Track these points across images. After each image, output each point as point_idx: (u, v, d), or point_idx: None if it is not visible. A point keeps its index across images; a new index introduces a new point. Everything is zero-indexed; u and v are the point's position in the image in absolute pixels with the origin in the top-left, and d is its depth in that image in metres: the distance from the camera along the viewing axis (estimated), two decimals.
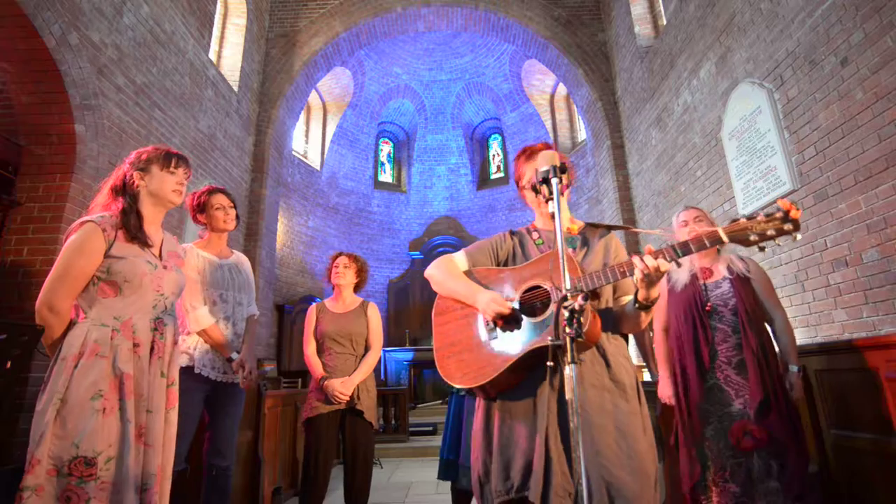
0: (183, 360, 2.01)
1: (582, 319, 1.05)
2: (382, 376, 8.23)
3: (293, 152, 8.55)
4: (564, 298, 1.08)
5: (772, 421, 1.83)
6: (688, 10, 4.88)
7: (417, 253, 9.83)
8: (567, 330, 1.04)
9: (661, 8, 5.81)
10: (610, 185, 6.77)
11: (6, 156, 3.22)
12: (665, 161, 5.50)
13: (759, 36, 3.76)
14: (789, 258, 3.53)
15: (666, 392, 2.19)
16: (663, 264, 1.14)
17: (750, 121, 3.88)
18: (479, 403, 1.43)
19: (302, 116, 9.34)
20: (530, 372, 1.30)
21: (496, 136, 10.87)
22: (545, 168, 1.22)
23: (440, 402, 7.82)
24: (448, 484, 2.48)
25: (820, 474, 2.16)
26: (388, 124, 10.76)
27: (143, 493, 1.39)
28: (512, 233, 1.56)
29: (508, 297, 1.35)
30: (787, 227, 1.05)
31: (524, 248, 1.50)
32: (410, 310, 9.55)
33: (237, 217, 2.33)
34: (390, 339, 9.12)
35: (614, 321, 1.40)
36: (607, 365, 1.31)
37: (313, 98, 9.46)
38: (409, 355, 8.13)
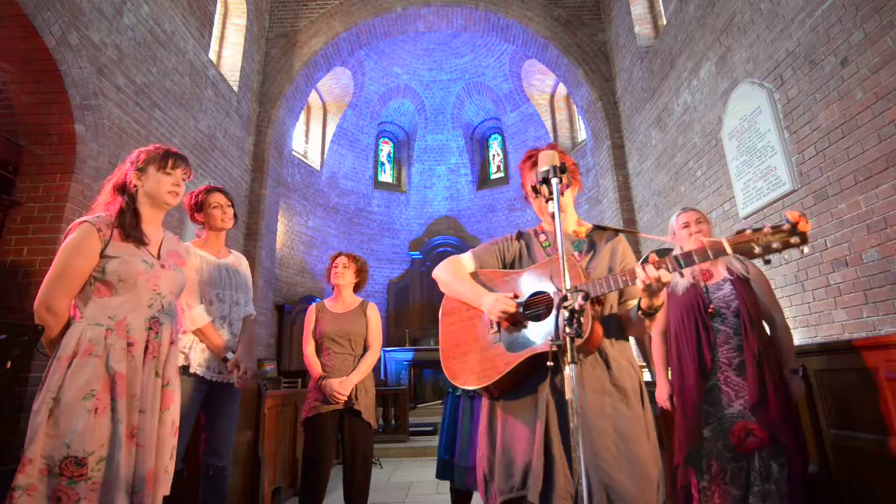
0: (178, 360, 2.01)
1: (582, 319, 1.05)
2: (382, 376, 8.23)
3: (293, 152, 8.55)
4: (565, 298, 1.08)
5: (772, 421, 1.83)
6: (688, 10, 4.88)
7: (417, 253, 9.83)
8: (567, 330, 1.04)
9: (661, 8, 5.82)
10: (610, 185, 6.77)
11: (6, 156, 3.22)
12: (665, 161, 5.50)
13: (759, 36, 3.76)
14: (789, 258, 3.53)
15: (662, 395, 2.20)
16: (665, 275, 1.13)
17: (750, 121, 3.88)
18: (484, 403, 1.44)
19: (302, 116, 9.34)
20: (532, 373, 1.30)
21: (496, 136, 10.87)
22: (545, 168, 1.21)
23: (440, 402, 7.82)
24: (448, 484, 2.49)
25: (820, 474, 2.16)
26: (388, 124, 10.76)
27: (135, 495, 1.37)
28: (519, 234, 1.56)
29: (514, 299, 1.35)
30: (794, 240, 1.02)
31: (530, 251, 1.50)
32: (410, 310, 9.55)
33: (235, 216, 2.33)
34: (390, 339, 9.11)
35: (619, 325, 1.39)
36: (608, 368, 1.31)
37: (313, 98, 9.46)
38: (409, 355, 8.13)
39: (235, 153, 6.05)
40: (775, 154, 3.62)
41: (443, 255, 7.37)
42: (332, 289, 2.76)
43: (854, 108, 2.90)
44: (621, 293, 1.41)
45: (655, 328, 2.24)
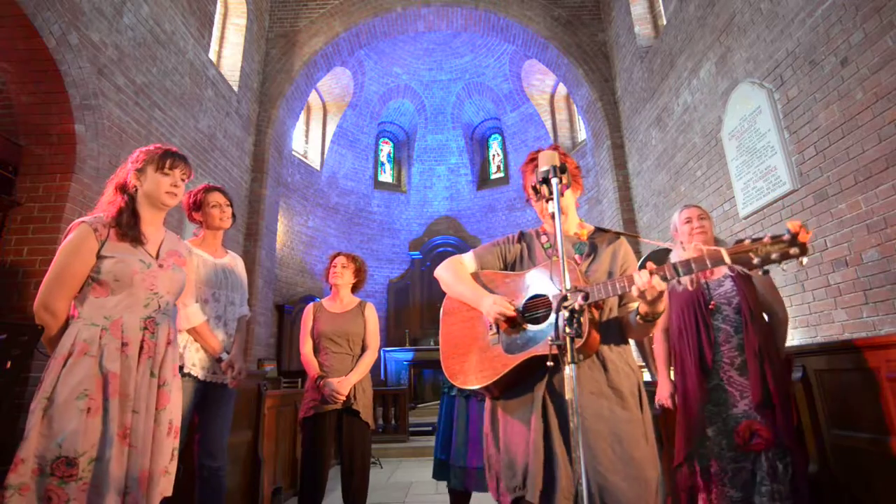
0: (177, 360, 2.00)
1: (582, 319, 1.05)
2: (382, 376, 8.23)
3: (293, 152, 8.55)
4: (565, 298, 1.09)
5: (776, 420, 1.82)
6: (688, 10, 4.88)
7: (417, 253, 9.83)
8: (567, 330, 1.05)
9: (661, 8, 5.81)
10: (610, 185, 6.77)
11: (6, 156, 3.22)
12: (665, 161, 5.50)
13: (759, 36, 3.76)
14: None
15: (664, 394, 2.19)
16: (659, 283, 1.13)
17: (750, 121, 3.88)
18: (487, 403, 1.45)
19: (302, 116, 9.34)
20: (531, 375, 1.31)
21: (496, 136, 10.87)
22: (545, 168, 1.21)
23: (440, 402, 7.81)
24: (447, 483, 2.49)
25: (820, 474, 2.15)
26: (388, 124, 10.76)
27: (127, 496, 1.35)
28: (521, 235, 1.56)
29: (513, 302, 1.35)
30: (794, 251, 1.01)
31: (531, 252, 1.50)
32: (410, 310, 9.55)
33: (233, 216, 2.33)
34: (390, 339, 9.11)
35: (619, 328, 1.39)
36: (606, 371, 1.31)
37: (313, 98, 9.46)
38: (409, 355, 8.13)
39: (235, 153, 6.05)
40: (775, 154, 3.62)
41: (443, 255, 7.38)
42: (330, 288, 2.76)
43: (854, 108, 2.90)
44: (622, 296, 1.40)
45: (657, 326, 2.23)
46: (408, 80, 10.03)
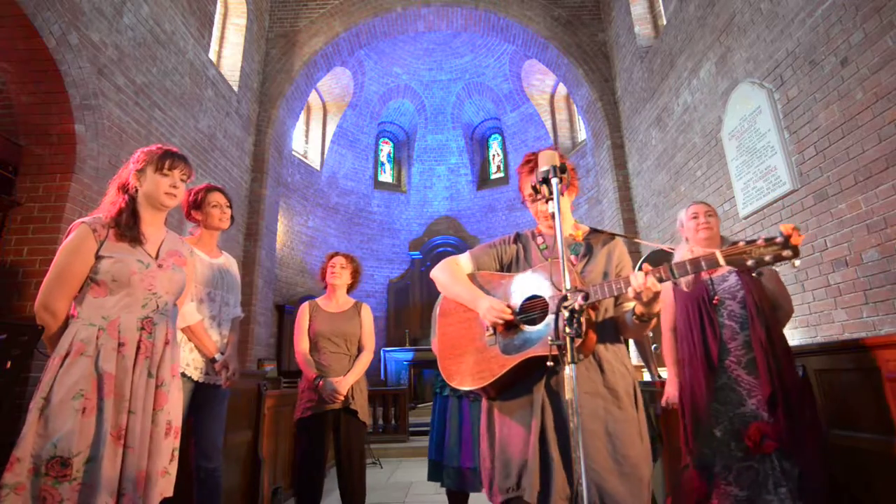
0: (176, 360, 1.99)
1: (581, 319, 1.06)
2: (382, 376, 8.23)
3: (293, 152, 8.55)
4: (564, 298, 1.09)
5: (784, 419, 1.79)
6: (688, 10, 4.88)
7: (417, 253, 9.83)
8: (567, 330, 1.05)
9: (661, 8, 5.82)
10: (610, 185, 6.77)
11: (6, 156, 3.22)
12: (665, 161, 5.50)
13: (759, 36, 3.76)
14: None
15: (671, 391, 2.17)
16: (654, 284, 1.14)
17: (750, 121, 3.88)
18: (484, 403, 1.45)
19: (302, 116, 9.34)
20: (528, 375, 1.31)
21: (496, 136, 10.88)
22: (545, 168, 1.21)
23: None
24: None
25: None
26: (388, 124, 10.77)
27: (122, 497, 1.34)
28: (517, 237, 1.56)
29: (509, 303, 1.36)
30: (786, 253, 1.04)
31: (527, 254, 1.50)
32: (410, 310, 9.55)
33: (232, 217, 2.32)
34: (390, 339, 9.11)
35: (615, 328, 1.40)
36: (602, 371, 1.32)
37: (313, 98, 9.47)
38: (409, 355, 8.13)
39: (235, 153, 6.05)
40: (775, 154, 3.62)
41: (442, 255, 7.36)
42: (326, 287, 2.76)
43: (854, 108, 2.90)
44: (618, 295, 1.41)
45: (666, 324, 2.22)
46: (408, 80, 10.03)
